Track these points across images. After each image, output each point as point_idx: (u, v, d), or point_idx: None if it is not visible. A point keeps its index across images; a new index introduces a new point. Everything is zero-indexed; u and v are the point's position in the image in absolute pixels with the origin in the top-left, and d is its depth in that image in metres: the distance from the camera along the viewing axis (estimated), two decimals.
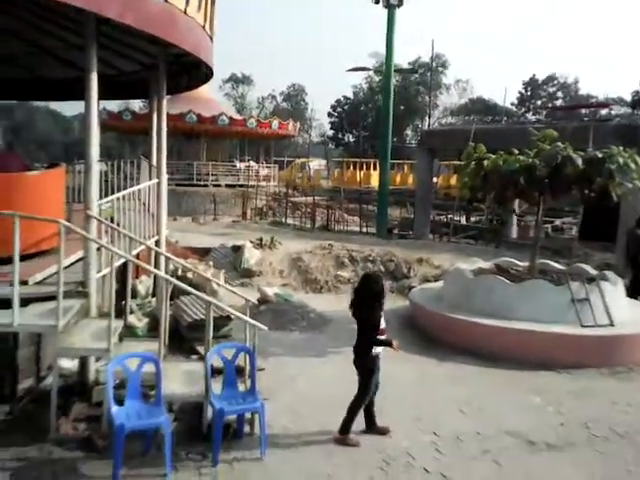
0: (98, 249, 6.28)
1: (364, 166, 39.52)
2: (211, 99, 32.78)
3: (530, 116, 61.81)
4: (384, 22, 20.97)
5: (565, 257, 15.29)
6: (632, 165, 8.93)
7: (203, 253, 13.57)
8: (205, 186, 28.36)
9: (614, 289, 9.06)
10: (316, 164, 50.90)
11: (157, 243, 8.83)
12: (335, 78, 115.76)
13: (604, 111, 56.38)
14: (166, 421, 4.91)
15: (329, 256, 13.02)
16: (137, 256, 8.39)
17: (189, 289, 6.14)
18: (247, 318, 5.91)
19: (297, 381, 7.11)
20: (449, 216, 23.38)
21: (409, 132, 68.15)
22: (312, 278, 12.31)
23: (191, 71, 9.21)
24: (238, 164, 33.12)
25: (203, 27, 7.85)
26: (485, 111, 64.85)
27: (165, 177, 9.00)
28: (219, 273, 10.35)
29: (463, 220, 25.10)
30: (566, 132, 15.26)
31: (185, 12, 6.95)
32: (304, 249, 13.54)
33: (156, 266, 8.48)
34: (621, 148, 9.13)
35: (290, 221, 22.73)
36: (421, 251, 14.40)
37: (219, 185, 28.98)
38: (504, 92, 59.51)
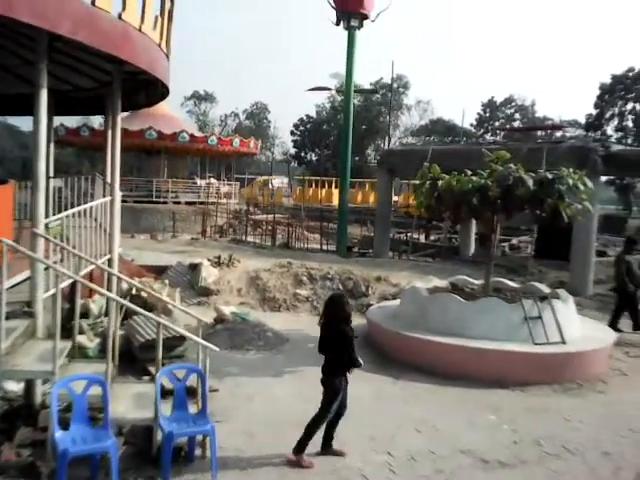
0: (46, 268, 6.11)
1: (326, 184, 39.77)
2: (172, 116, 32.59)
3: (489, 137, 63.31)
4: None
5: (520, 275, 15.56)
6: (581, 186, 9.17)
7: (159, 271, 13.33)
8: (165, 203, 28.05)
9: (566, 307, 9.23)
10: (279, 182, 50.93)
11: (110, 261, 8.64)
12: (298, 97, 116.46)
13: (559, 133, 58.33)
14: (113, 445, 4.76)
15: (288, 274, 12.94)
16: (90, 274, 8.21)
17: (137, 309, 5.99)
18: (197, 339, 5.80)
19: (252, 402, 7.01)
20: (409, 234, 23.60)
21: (371, 151, 68.90)
22: (270, 296, 12.22)
23: (148, 88, 9.14)
24: (199, 181, 32.86)
25: (159, 45, 7.83)
26: (445, 132, 66.15)
27: (119, 194, 8.84)
28: (174, 292, 10.19)
29: (422, 238, 25.36)
30: (520, 153, 15.65)
31: (140, 30, 6.92)
32: (263, 267, 13.43)
33: (109, 285, 8.31)
34: (571, 170, 9.36)
35: (250, 239, 22.58)
36: (380, 269, 14.46)
37: (179, 202, 28.70)
38: (462, 114, 60.90)
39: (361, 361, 5.73)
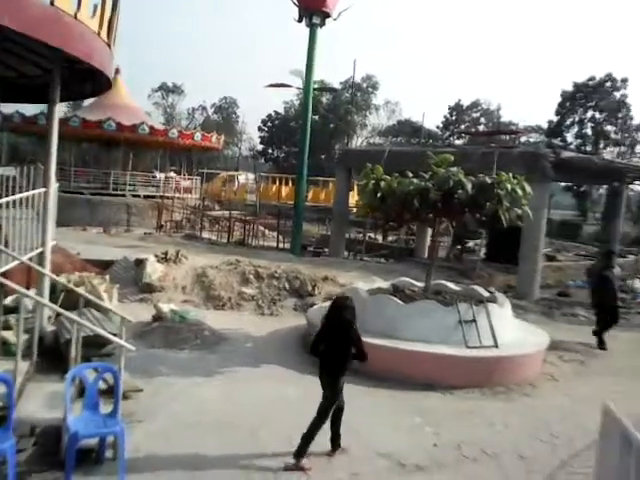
0: None
1: (290, 182, 39.60)
2: (135, 107, 31.87)
3: (454, 140, 63.92)
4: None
5: (470, 278, 15.74)
6: (520, 191, 9.29)
7: (105, 266, 13.06)
8: (122, 196, 27.51)
9: (502, 311, 9.35)
10: (244, 178, 50.48)
11: (42, 254, 8.42)
12: (267, 93, 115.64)
13: (524, 138, 59.18)
14: (10, 447, 4.60)
15: (235, 272, 12.83)
16: (28, 268, 7.96)
17: (53, 306, 5.86)
18: (113, 337, 5.72)
19: (176, 402, 6.88)
20: (367, 234, 23.67)
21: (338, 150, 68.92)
22: (215, 294, 12.08)
23: (94, 78, 8.94)
24: (158, 175, 32.34)
25: (98, 34, 7.63)
26: (412, 133, 66.49)
27: (54, 185, 8.61)
28: (112, 288, 9.97)
29: (381, 239, 25.48)
30: (474, 157, 15.87)
31: (75, 17, 6.74)
32: (210, 264, 13.29)
33: (40, 279, 8.11)
34: (510, 174, 9.48)
35: (206, 235, 22.35)
36: (329, 269, 14.46)
37: (138, 196, 28.15)
38: (422, 116, 61.68)
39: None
